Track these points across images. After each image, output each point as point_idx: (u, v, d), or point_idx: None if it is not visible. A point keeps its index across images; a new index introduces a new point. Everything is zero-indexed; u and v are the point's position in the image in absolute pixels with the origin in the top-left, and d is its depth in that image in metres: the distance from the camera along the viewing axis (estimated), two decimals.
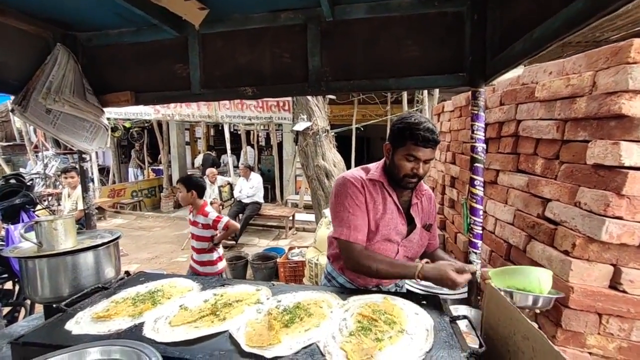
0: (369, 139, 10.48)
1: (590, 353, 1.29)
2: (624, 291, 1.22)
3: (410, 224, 1.38)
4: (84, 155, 1.87)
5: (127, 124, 9.62)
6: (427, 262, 1.26)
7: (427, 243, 1.51)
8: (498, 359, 1.00)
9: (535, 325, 0.83)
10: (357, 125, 7.15)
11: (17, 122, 10.06)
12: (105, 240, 1.54)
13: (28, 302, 2.78)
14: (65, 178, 3.83)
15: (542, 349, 0.79)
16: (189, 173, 10.00)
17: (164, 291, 1.29)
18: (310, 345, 0.93)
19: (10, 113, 7.25)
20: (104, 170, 10.45)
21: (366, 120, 7.43)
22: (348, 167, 6.20)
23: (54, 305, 1.37)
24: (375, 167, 1.38)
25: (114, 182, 9.82)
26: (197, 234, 2.80)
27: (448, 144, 2.94)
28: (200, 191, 2.85)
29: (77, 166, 4.69)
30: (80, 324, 1.06)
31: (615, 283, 1.25)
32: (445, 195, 2.97)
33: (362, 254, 1.28)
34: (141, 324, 1.05)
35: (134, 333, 0.99)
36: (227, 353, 0.90)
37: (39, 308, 2.77)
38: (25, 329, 1.40)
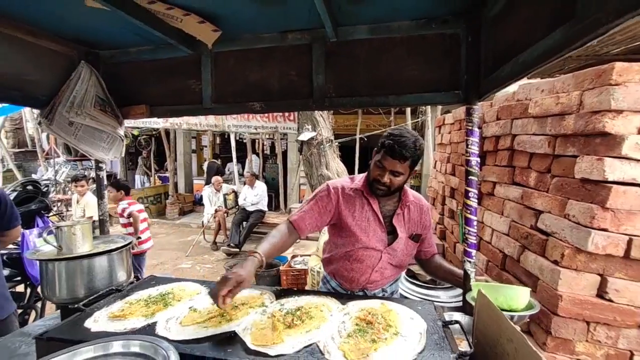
0: (372, 148, 10.55)
1: None
2: (610, 300, 1.28)
3: (392, 233, 1.46)
4: (100, 164, 1.98)
5: (136, 132, 9.86)
6: (257, 253, 1.24)
7: (422, 251, 1.59)
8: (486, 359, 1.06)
9: (518, 329, 0.90)
10: (360, 136, 7.25)
11: (29, 129, 10.36)
12: (119, 245, 1.63)
13: (39, 305, 2.89)
14: (76, 186, 4.02)
15: (522, 349, 0.85)
16: (193, 181, 10.17)
17: (174, 294, 1.37)
18: (310, 345, 1.00)
19: (38, 125, 7.50)
20: (110, 177, 10.64)
21: (370, 131, 7.55)
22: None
23: (70, 306, 1.47)
24: (360, 177, 1.52)
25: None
26: (122, 222, 3.69)
27: (448, 155, 3.02)
28: (126, 190, 3.76)
29: (86, 174, 4.81)
30: (98, 322, 1.15)
31: (602, 292, 1.30)
32: (445, 206, 3.04)
33: (279, 228, 1.40)
34: (154, 324, 1.12)
35: (148, 332, 1.07)
36: (235, 351, 0.97)
37: (49, 311, 2.87)
38: (42, 328, 1.48)
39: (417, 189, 7.74)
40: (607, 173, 1.22)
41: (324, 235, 3.91)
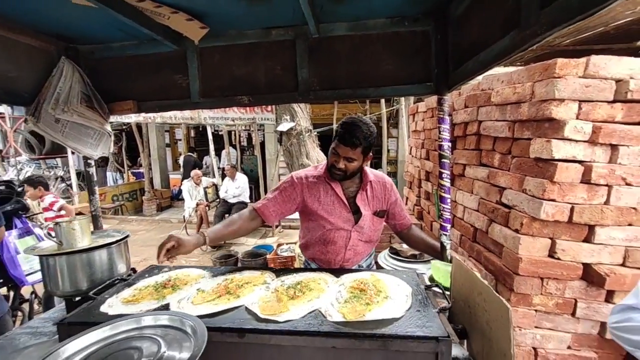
0: None
1: (535, 310, 1.60)
2: (558, 258, 1.53)
3: (357, 212, 1.57)
4: (89, 161, 1.99)
5: None
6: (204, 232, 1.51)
7: (396, 224, 1.71)
8: (463, 314, 1.26)
9: (486, 282, 1.09)
10: (336, 125, 7.38)
11: None
12: (117, 238, 1.68)
13: (25, 307, 2.84)
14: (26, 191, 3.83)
15: (490, 298, 1.05)
16: (169, 175, 9.93)
17: (179, 279, 1.47)
18: (313, 311, 1.15)
19: (24, 123, 6.96)
20: (80, 175, 10.15)
21: None
22: None
23: (77, 298, 1.53)
24: (322, 164, 1.63)
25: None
26: (48, 216, 3.78)
27: (422, 141, 3.24)
28: (45, 186, 3.88)
29: (60, 172, 4.61)
30: (113, 307, 1.23)
31: (552, 252, 1.55)
32: (421, 189, 3.28)
33: (241, 212, 1.59)
34: (167, 305, 1.22)
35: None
36: (247, 320, 1.09)
37: (38, 314, 2.83)
38: (49, 321, 1.54)
39: (394, 174, 8.05)
40: (554, 152, 1.45)
41: None
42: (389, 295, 1.25)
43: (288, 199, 1.57)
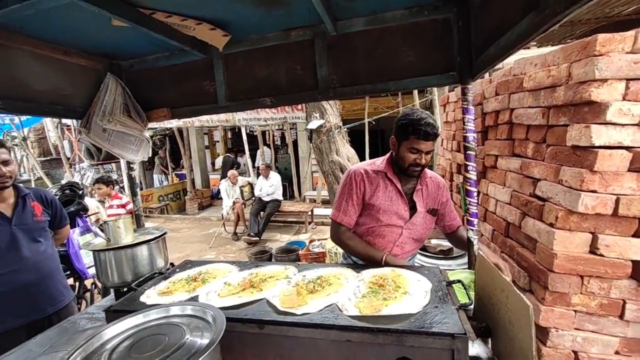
0: (382, 131, 10.58)
1: (575, 310, 1.48)
2: (601, 255, 1.40)
3: (413, 208, 1.58)
4: (131, 165, 2.20)
5: (150, 132, 10.21)
6: (388, 254, 1.52)
7: (445, 225, 1.70)
8: (486, 311, 1.21)
9: (508, 279, 1.04)
10: (368, 120, 7.30)
11: (52, 138, 10.87)
12: (156, 235, 1.85)
13: (87, 295, 3.22)
14: (99, 188, 4.41)
15: (512, 296, 1.00)
16: (209, 176, 10.51)
17: (209, 273, 1.58)
18: (331, 305, 1.17)
19: (79, 135, 7.93)
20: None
21: (378, 113, 7.57)
22: (362, 159, 6.39)
23: (122, 289, 1.70)
24: (381, 160, 1.61)
25: (141, 189, 10.45)
26: (114, 213, 4.10)
27: (454, 133, 3.11)
28: (113, 185, 4.38)
29: (109, 176, 5.19)
30: (150, 297, 1.36)
31: (594, 248, 1.42)
32: (453, 182, 3.15)
33: (345, 233, 1.58)
34: (196, 297, 1.32)
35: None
36: (267, 312, 1.15)
37: (97, 300, 3.19)
38: (101, 308, 1.74)
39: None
40: (594, 139, 1.32)
41: None
42: (407, 291, 1.24)
43: (358, 197, 1.57)
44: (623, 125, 1.32)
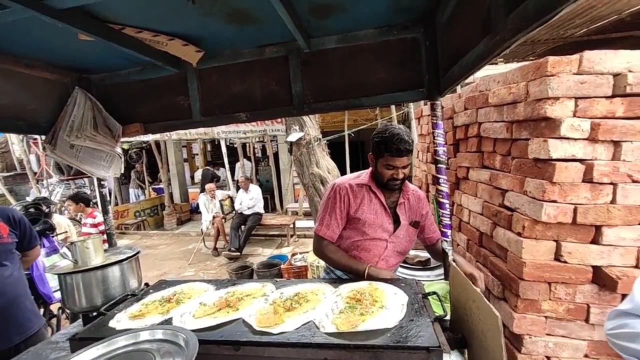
0: (362, 142, 10.78)
1: (545, 317, 1.54)
2: (565, 261, 1.47)
3: (397, 222, 1.61)
4: (102, 182, 2.12)
5: (126, 146, 9.89)
6: (371, 266, 1.51)
7: (425, 238, 1.74)
8: (462, 322, 1.24)
9: (478, 290, 1.08)
10: (348, 132, 7.42)
11: (16, 152, 10.30)
12: (128, 255, 1.77)
13: (54, 321, 3.01)
14: (69, 206, 4.29)
15: (482, 306, 1.03)
16: (188, 189, 10.25)
17: (184, 293, 1.53)
18: (308, 322, 1.16)
19: (42, 150, 7.54)
20: (110, 193, 10.67)
21: (358, 125, 7.71)
22: (343, 171, 6.46)
23: (91, 314, 1.61)
24: (365, 173, 1.64)
25: (116, 204, 10.03)
26: (86, 232, 4.03)
27: (428, 145, 3.21)
28: (86, 202, 4.19)
29: (82, 194, 5.01)
30: (120, 322, 1.29)
31: (558, 256, 1.50)
32: (429, 193, 3.23)
33: (327, 247, 1.59)
34: (170, 319, 1.27)
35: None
36: (243, 333, 1.13)
37: (64, 325, 2.99)
38: (66, 336, 1.63)
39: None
40: (552, 152, 1.41)
41: None
42: (384, 305, 1.25)
43: (341, 211, 1.57)
44: (575, 139, 1.42)
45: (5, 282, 1.65)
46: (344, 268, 1.57)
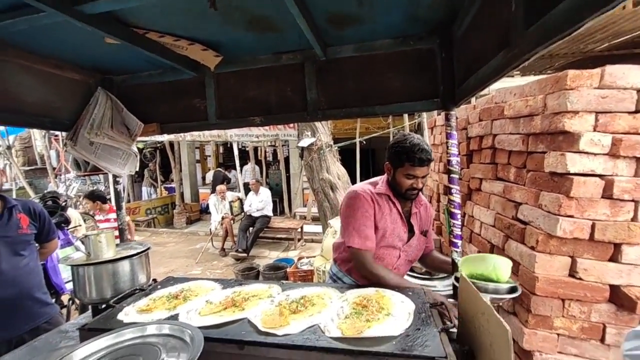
0: (373, 150, 10.76)
1: (558, 334, 1.49)
2: (580, 278, 1.43)
3: (410, 231, 1.60)
4: (117, 179, 2.18)
5: (140, 145, 10.14)
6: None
7: (424, 247, 1.72)
8: (469, 334, 1.21)
9: (489, 303, 1.05)
10: (359, 139, 7.42)
11: (38, 147, 10.68)
12: (139, 250, 1.81)
13: (64, 311, 3.08)
14: (86, 203, 4.45)
15: (491, 319, 1.01)
16: (199, 190, 10.40)
17: (191, 290, 1.55)
18: (313, 326, 1.16)
19: (64, 147, 7.85)
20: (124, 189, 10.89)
21: (369, 133, 7.71)
22: (353, 178, 6.45)
23: (101, 306, 1.65)
24: (381, 182, 1.60)
25: (128, 201, 10.24)
26: (108, 227, 4.16)
27: (440, 155, 3.18)
28: (102, 200, 4.36)
29: (97, 192, 5.20)
30: (128, 315, 1.32)
31: (573, 272, 1.45)
32: (440, 203, 3.19)
33: (375, 263, 1.47)
34: (176, 315, 1.29)
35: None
36: (248, 332, 1.13)
37: (74, 316, 3.05)
38: (76, 325, 1.67)
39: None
40: (569, 166, 1.38)
41: (328, 237, 4.07)
42: (390, 313, 1.23)
43: (371, 217, 1.50)
44: (595, 154, 1.39)
45: (19, 272, 1.70)
46: (392, 287, 1.43)
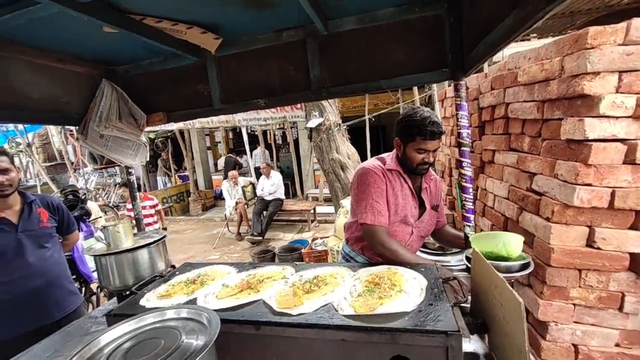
0: (383, 127, 10.55)
1: (574, 304, 1.48)
2: (598, 248, 1.39)
3: (422, 206, 1.58)
4: (130, 170, 2.22)
5: (152, 135, 10.28)
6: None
7: (437, 221, 1.72)
8: (482, 307, 1.22)
9: (501, 276, 1.04)
10: (368, 116, 7.28)
11: (56, 143, 11.00)
12: (156, 238, 1.87)
13: (93, 298, 3.27)
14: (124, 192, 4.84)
15: (504, 292, 1.00)
16: (212, 176, 10.56)
17: (208, 275, 1.59)
18: (326, 304, 1.18)
19: (75, 142, 8.06)
20: (139, 180, 11.19)
21: (378, 110, 7.54)
22: (364, 157, 6.38)
23: (124, 293, 1.73)
24: (390, 158, 1.56)
25: (144, 191, 10.52)
26: (147, 214, 4.70)
27: (451, 128, 3.09)
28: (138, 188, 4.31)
29: (118, 180, 5.58)
30: (150, 301, 1.38)
31: (590, 242, 1.42)
32: (452, 177, 3.14)
33: (390, 238, 1.45)
34: (194, 299, 1.34)
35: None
36: (263, 313, 1.17)
37: (103, 302, 3.24)
38: (103, 312, 1.76)
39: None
40: (588, 132, 1.31)
41: (341, 217, 4.10)
42: (403, 289, 1.24)
43: (384, 195, 1.48)
44: (617, 117, 1.31)
45: (46, 263, 1.79)
46: (407, 263, 1.41)
